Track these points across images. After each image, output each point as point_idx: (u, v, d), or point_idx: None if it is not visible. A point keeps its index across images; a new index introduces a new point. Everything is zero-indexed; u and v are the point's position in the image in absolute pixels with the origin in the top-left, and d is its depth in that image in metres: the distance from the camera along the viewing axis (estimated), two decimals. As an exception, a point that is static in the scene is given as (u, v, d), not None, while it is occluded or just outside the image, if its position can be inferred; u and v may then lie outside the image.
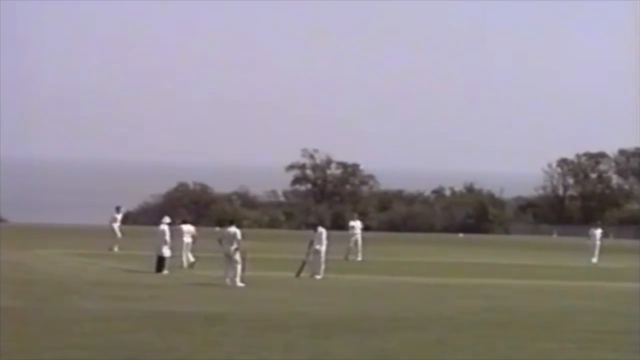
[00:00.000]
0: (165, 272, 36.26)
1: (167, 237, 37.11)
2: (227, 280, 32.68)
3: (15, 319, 22.92)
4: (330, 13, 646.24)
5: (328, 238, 37.20)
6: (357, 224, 48.54)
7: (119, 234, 47.13)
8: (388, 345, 20.73)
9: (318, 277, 36.08)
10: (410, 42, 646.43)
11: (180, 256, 38.44)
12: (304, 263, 36.50)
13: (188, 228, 39.26)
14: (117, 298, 27.75)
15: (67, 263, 39.77)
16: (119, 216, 48.31)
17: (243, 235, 33.90)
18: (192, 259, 38.77)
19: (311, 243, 36.66)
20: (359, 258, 46.70)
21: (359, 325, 23.42)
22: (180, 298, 28.54)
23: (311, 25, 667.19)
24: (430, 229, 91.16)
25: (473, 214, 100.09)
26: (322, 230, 37.26)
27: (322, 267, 36.44)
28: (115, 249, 46.26)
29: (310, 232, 38.00)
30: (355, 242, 47.54)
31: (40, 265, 38.08)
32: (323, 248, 36.60)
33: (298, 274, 35.99)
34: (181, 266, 37.98)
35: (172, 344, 19.93)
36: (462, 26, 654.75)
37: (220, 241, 33.88)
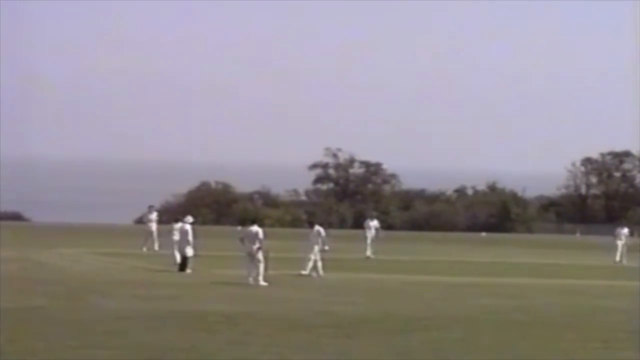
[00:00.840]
0: (188, 271, 36.35)
1: (190, 236, 37.21)
2: (250, 280, 32.72)
3: (40, 318, 23.03)
4: (351, 13, 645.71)
5: (326, 236, 36.91)
6: (374, 224, 48.66)
7: (155, 234, 46.91)
8: (411, 344, 20.72)
9: (304, 272, 35.93)
10: (432, 42, 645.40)
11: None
12: (315, 262, 36.39)
13: (179, 226, 38.89)
14: (141, 297, 27.83)
15: (90, 262, 39.92)
16: (154, 215, 47.90)
17: (265, 234, 33.94)
18: (178, 259, 38.46)
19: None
20: (369, 254, 46.86)
21: (381, 324, 23.41)
22: (203, 297, 28.59)
23: (330, 24, 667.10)
24: (452, 228, 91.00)
25: (496, 213, 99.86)
26: (318, 228, 37.04)
27: (309, 264, 36.14)
28: (145, 249, 45.94)
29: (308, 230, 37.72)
30: (372, 239, 47.78)
31: (64, 265, 38.24)
32: (317, 247, 36.38)
33: (310, 271, 36.00)
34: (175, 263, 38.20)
35: (195, 343, 19.97)
36: (482, 26, 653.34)
37: (242, 240, 33.93)
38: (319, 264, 36.29)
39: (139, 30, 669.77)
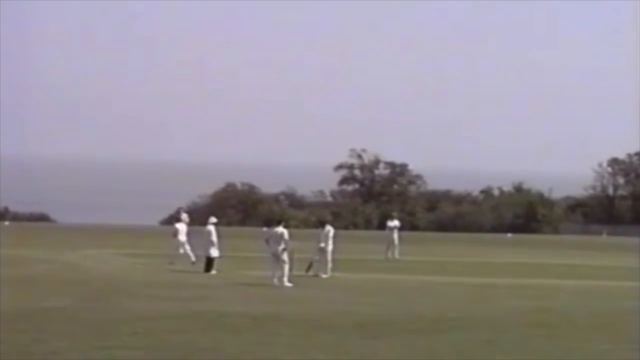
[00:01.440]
0: (213, 272, 36.39)
1: (214, 237, 37.28)
2: (275, 280, 32.70)
3: (66, 318, 23.08)
4: (376, 12, 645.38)
5: (335, 236, 36.87)
6: (394, 224, 48.57)
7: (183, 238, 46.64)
8: (436, 345, 20.62)
9: (324, 276, 35.87)
10: (458, 42, 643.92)
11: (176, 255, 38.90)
12: (311, 262, 36.31)
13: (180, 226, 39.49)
14: (166, 298, 27.85)
15: (116, 263, 40.01)
16: (184, 216, 47.57)
17: (290, 235, 33.90)
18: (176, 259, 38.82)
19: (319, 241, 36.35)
20: (397, 256, 46.86)
21: (407, 325, 23.32)
22: (228, 298, 28.59)
23: (356, 25, 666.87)
24: (478, 229, 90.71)
25: (522, 214, 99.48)
26: (329, 228, 36.93)
27: (329, 265, 36.13)
28: (182, 250, 45.74)
29: (319, 230, 37.60)
30: (392, 241, 47.70)
31: (90, 266, 38.34)
32: (329, 247, 36.29)
33: (307, 270, 35.91)
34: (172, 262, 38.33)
35: (220, 344, 19.96)
36: (506, 26, 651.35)
37: (267, 241, 33.92)
38: (330, 265, 36.12)
39: (162, 28, 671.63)
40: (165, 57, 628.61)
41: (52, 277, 33.08)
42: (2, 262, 37.99)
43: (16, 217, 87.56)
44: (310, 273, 35.93)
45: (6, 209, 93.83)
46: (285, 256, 33.07)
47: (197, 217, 76.54)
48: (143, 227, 64.81)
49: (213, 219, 38.48)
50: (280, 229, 33.68)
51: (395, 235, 48.06)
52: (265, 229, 36.80)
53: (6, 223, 72.24)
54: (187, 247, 39.61)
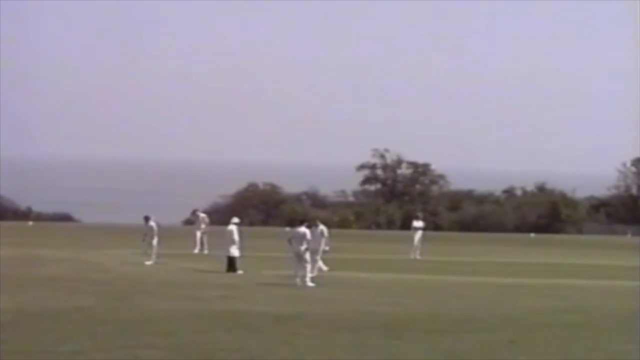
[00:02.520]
0: (240, 272, 36.37)
1: (236, 236, 37.28)
2: (297, 280, 32.67)
3: (89, 318, 23.12)
4: (397, 10, 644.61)
5: (328, 237, 36.59)
6: (418, 224, 48.51)
7: (199, 237, 46.56)
8: (460, 345, 20.55)
9: (322, 269, 35.68)
10: (480, 43, 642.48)
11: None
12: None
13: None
14: (189, 298, 27.87)
15: (138, 263, 40.05)
16: (203, 216, 47.51)
17: (324, 233, 33.87)
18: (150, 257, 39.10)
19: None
20: (418, 256, 46.77)
21: (430, 325, 23.26)
22: (250, 298, 28.58)
23: (377, 24, 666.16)
24: (501, 229, 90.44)
25: (545, 213, 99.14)
26: (322, 228, 36.68)
27: (317, 265, 35.41)
28: (206, 251, 45.71)
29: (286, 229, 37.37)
30: (419, 241, 47.65)
31: (112, 265, 38.41)
32: (321, 247, 35.87)
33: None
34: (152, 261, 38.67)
35: (243, 343, 19.94)
36: (533, 27, 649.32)
37: (290, 241, 33.89)
38: (320, 262, 35.89)
39: (177, 28, 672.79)
40: (184, 57, 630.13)
41: (76, 277, 33.16)
42: (26, 262, 38.14)
43: (39, 217, 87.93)
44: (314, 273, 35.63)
45: (29, 209, 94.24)
46: (308, 256, 33.04)
47: (219, 217, 76.76)
48: (165, 226, 64.88)
49: (235, 219, 38.50)
50: (303, 229, 33.66)
51: (418, 235, 47.98)
52: (287, 228, 36.74)
53: (30, 223, 72.54)
54: (155, 247, 39.50)
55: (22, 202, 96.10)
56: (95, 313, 24.07)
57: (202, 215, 47.82)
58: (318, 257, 35.77)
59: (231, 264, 36.89)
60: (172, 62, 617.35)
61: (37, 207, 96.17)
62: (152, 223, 39.88)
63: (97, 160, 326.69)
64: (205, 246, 45.89)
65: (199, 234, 46.44)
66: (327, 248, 36.35)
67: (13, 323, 22.05)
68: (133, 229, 64.94)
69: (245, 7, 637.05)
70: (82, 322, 22.44)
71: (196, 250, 45.52)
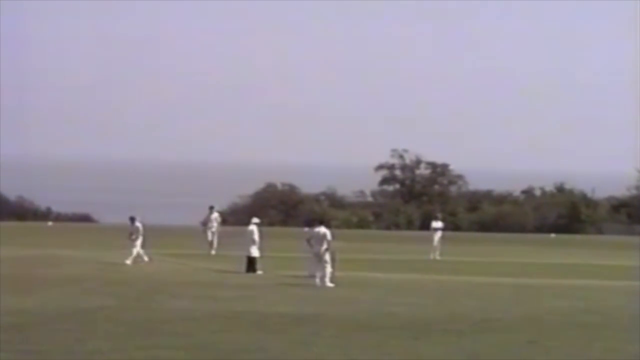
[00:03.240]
0: (259, 272, 36.38)
1: (256, 236, 37.32)
2: (317, 281, 32.66)
3: (108, 318, 23.17)
4: (415, 10, 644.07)
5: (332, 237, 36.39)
6: (438, 225, 48.46)
7: (215, 236, 46.20)
8: (479, 346, 20.50)
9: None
10: (498, 42, 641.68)
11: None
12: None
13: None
14: (208, 298, 27.89)
15: (157, 263, 40.13)
16: (215, 215, 47.09)
17: (332, 235, 33.85)
18: (135, 255, 39.36)
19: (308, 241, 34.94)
20: (437, 257, 46.69)
21: (449, 325, 23.21)
22: (269, 298, 28.58)
23: (393, 23, 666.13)
24: (520, 229, 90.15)
25: (565, 214, 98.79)
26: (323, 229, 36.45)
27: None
28: (213, 252, 45.33)
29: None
30: (438, 241, 47.59)
31: (132, 266, 38.49)
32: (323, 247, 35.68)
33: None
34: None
35: (262, 344, 19.94)
36: (553, 27, 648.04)
37: (309, 241, 33.87)
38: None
39: (199, 29, 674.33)
40: (199, 57, 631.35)
41: (95, 277, 33.25)
42: (46, 262, 38.27)
43: (59, 217, 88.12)
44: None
45: (49, 209, 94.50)
46: (327, 256, 33.01)
47: (238, 218, 76.79)
48: (184, 227, 64.90)
49: (256, 219, 38.56)
50: (323, 229, 33.63)
51: (437, 236, 47.95)
52: (306, 229, 36.68)
53: (49, 223, 72.76)
54: (138, 247, 39.58)
55: (42, 202, 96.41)
56: (114, 313, 24.12)
57: (215, 214, 47.38)
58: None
59: (251, 264, 36.90)
60: (187, 62, 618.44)
61: (56, 208, 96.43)
62: (137, 224, 40.31)
63: (114, 160, 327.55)
64: (214, 246, 45.70)
65: (210, 233, 46.14)
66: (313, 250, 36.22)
67: (32, 323, 22.12)
68: (152, 230, 65.11)
69: (259, 6, 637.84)
70: (101, 322, 22.49)
71: (213, 252, 45.32)
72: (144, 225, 40.55)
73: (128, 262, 38.93)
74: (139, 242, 39.87)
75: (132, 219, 41.02)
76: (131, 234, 40.17)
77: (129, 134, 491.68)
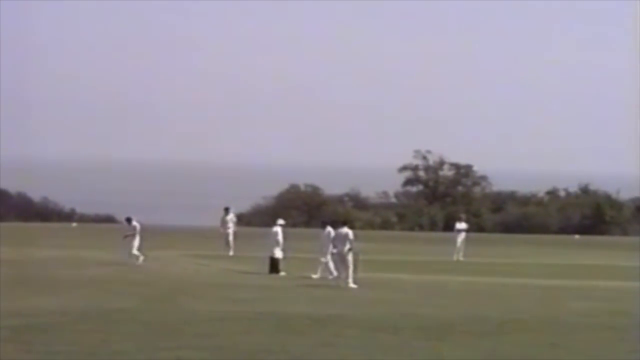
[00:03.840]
0: (283, 273, 36.41)
1: (280, 238, 37.38)
2: (341, 282, 32.65)
3: (131, 319, 23.23)
4: (444, 13, 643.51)
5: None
6: (461, 226, 48.38)
7: (232, 237, 46.18)
8: (501, 347, 20.45)
9: (314, 276, 35.35)
10: (521, 43, 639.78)
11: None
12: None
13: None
14: (231, 299, 27.93)
15: (180, 264, 40.24)
16: (230, 217, 47.11)
17: (355, 236, 33.84)
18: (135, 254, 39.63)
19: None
20: (461, 258, 46.62)
21: (471, 327, 23.16)
22: (292, 299, 28.60)
23: (418, 24, 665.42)
24: (544, 230, 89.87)
25: (589, 215, 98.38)
26: (329, 230, 36.38)
27: (320, 267, 35.40)
28: (231, 252, 45.60)
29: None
30: (461, 242, 47.51)
31: (155, 267, 38.59)
32: (329, 248, 35.70)
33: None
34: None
35: (285, 345, 19.96)
36: (574, 27, 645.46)
37: (334, 242, 33.88)
38: (331, 264, 35.64)
39: (221, 31, 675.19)
40: (223, 57, 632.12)
41: (118, 279, 33.36)
42: (70, 263, 38.44)
43: (83, 219, 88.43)
44: (329, 275, 35.32)
45: (73, 211, 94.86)
46: (350, 257, 33.01)
47: (262, 219, 76.84)
48: (207, 228, 65.03)
49: (281, 221, 38.64)
50: (345, 230, 33.63)
51: (461, 237, 47.89)
52: (329, 229, 36.66)
53: (73, 224, 73.07)
54: (134, 248, 39.74)
55: (66, 203, 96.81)
56: (137, 314, 24.19)
57: (230, 215, 47.21)
58: (325, 259, 35.67)
59: (274, 265, 36.95)
60: (210, 62, 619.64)
61: (80, 209, 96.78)
62: (135, 223, 40.61)
63: (137, 162, 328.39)
64: (227, 246, 45.62)
65: (226, 235, 45.95)
66: (334, 250, 36.20)
67: (56, 324, 22.21)
68: (175, 231, 65.30)
69: (282, 5, 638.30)
70: (124, 323, 22.56)
71: (231, 253, 45.22)
72: (141, 226, 40.78)
73: (140, 260, 39.16)
74: (135, 243, 39.93)
75: (129, 220, 41.44)
76: (126, 235, 40.22)
77: (149, 135, 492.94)
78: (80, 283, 31.48)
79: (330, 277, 34.85)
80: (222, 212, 47.75)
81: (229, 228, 46.21)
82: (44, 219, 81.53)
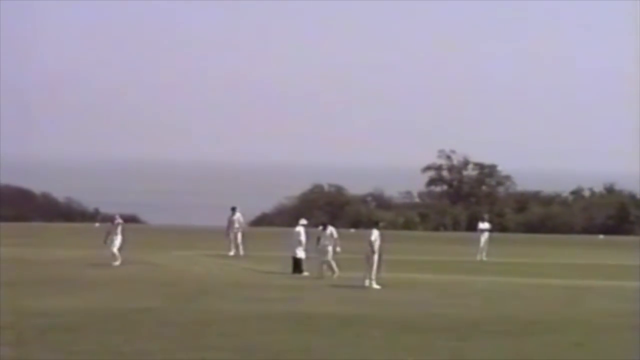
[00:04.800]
0: (306, 273, 36.43)
1: (302, 238, 37.39)
2: (366, 282, 32.67)
3: (155, 319, 23.30)
4: (468, 14, 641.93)
5: (338, 238, 36.40)
6: (484, 226, 48.26)
7: (240, 237, 45.55)
8: (525, 347, 20.40)
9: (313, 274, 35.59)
10: (539, 42, 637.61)
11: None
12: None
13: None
14: (254, 299, 27.97)
15: (204, 264, 40.31)
16: (237, 217, 46.55)
17: (381, 236, 33.83)
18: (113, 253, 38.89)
19: (317, 240, 36.12)
20: (484, 258, 46.56)
21: (495, 327, 23.11)
22: (316, 299, 28.61)
23: (442, 26, 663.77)
24: (568, 230, 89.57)
25: (614, 215, 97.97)
26: (331, 230, 36.54)
27: (324, 267, 35.61)
28: (232, 252, 45.04)
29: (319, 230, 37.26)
30: (485, 242, 47.43)
31: (178, 267, 38.67)
32: (330, 248, 35.67)
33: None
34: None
35: (308, 345, 19.97)
36: (597, 25, 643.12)
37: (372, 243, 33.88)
38: (333, 263, 35.68)
39: (239, 31, 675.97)
40: (244, 60, 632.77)
41: (143, 279, 33.45)
42: (94, 263, 38.55)
43: (106, 219, 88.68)
44: (330, 274, 35.39)
45: (97, 210, 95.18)
46: (375, 258, 32.99)
47: (285, 219, 76.82)
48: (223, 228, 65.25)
49: (303, 221, 38.63)
50: (375, 231, 33.68)
51: (484, 237, 47.77)
52: (352, 230, 36.71)
53: (97, 224, 73.31)
54: (116, 247, 39.17)
55: (90, 204, 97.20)
56: (161, 314, 24.26)
57: (237, 215, 46.94)
58: (326, 259, 35.70)
59: (297, 265, 36.97)
60: (230, 64, 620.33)
61: (103, 209, 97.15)
62: (118, 220, 39.99)
63: (162, 161, 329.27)
64: (232, 246, 45.41)
65: (239, 234, 45.81)
66: (338, 249, 36.26)
67: (81, 323, 22.31)
68: (199, 231, 65.40)
69: (301, 6, 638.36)
70: (148, 323, 22.63)
71: (242, 252, 44.93)
72: (123, 226, 40.21)
73: (116, 263, 38.19)
74: (117, 242, 39.11)
75: (112, 218, 40.79)
76: (108, 233, 39.46)
77: (173, 135, 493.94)
78: (105, 283, 31.58)
79: (308, 274, 35.62)
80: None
81: (235, 228, 46.02)
82: (67, 219, 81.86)
